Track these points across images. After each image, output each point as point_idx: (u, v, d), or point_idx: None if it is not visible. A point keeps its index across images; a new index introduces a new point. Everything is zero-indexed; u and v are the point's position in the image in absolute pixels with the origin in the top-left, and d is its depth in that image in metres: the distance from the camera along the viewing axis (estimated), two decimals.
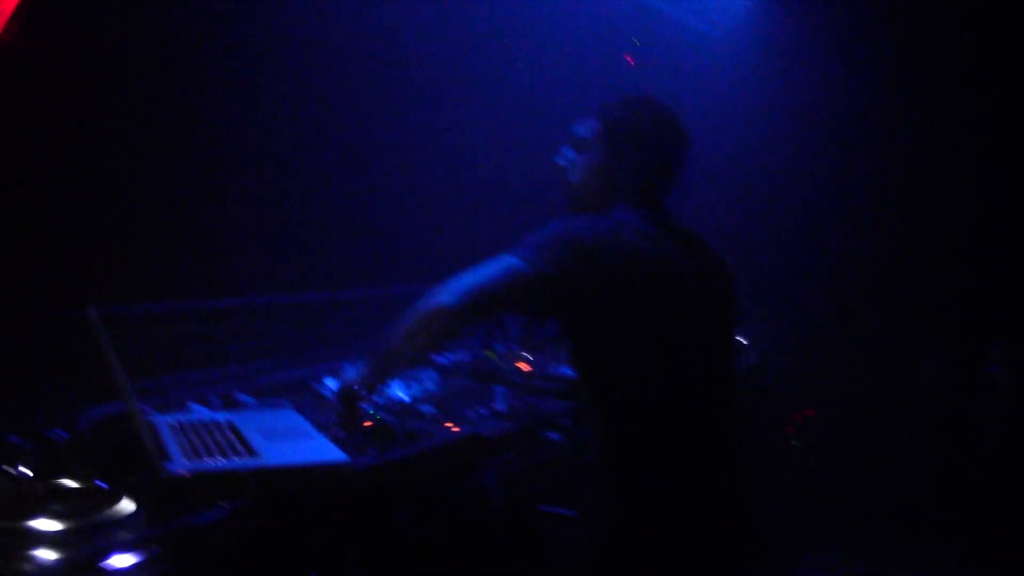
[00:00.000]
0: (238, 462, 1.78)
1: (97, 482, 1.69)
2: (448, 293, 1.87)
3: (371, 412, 2.35)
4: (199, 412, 2.31)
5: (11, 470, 1.74)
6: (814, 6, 4.92)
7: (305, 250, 3.16)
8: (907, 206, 4.95)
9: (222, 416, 2.18)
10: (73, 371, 2.23)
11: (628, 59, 4.56)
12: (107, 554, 1.42)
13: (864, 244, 5.05)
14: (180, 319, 2.68)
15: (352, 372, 2.03)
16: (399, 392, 2.64)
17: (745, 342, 3.85)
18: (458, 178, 3.66)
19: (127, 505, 1.57)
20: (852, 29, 4.90)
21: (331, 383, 2.62)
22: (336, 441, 2.04)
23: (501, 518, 2.16)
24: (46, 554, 1.40)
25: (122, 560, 1.43)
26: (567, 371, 2.87)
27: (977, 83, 4.69)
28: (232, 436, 1.97)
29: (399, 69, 3.39)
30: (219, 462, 1.77)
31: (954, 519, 4.52)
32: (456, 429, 2.31)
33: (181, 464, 1.73)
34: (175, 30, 2.66)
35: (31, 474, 1.74)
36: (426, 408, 2.46)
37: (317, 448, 1.94)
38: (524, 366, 2.90)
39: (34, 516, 1.50)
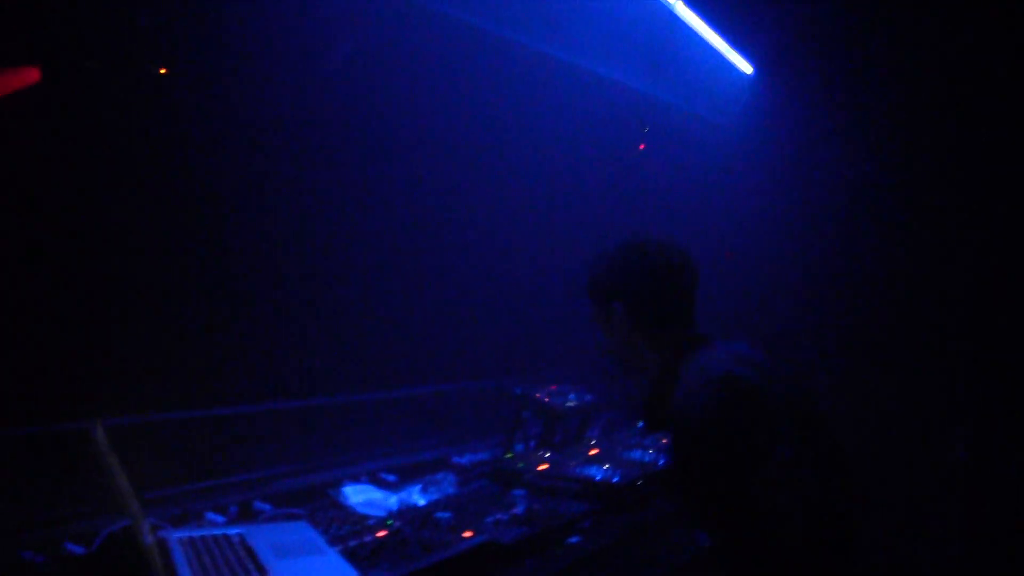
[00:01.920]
0: None
1: None
2: None
3: (386, 520, 2.34)
4: (214, 524, 2.31)
5: None
6: (816, 86, 5.00)
7: (323, 353, 3.19)
8: (913, 284, 4.93)
9: (235, 531, 2.17)
10: (93, 484, 2.24)
11: (640, 146, 4.63)
12: None
13: (884, 323, 5.02)
14: (199, 427, 2.70)
15: None
16: (416, 497, 2.63)
17: None
18: (475, 278, 3.69)
19: None
20: (852, 109, 4.96)
21: (350, 490, 2.62)
22: (347, 554, 2.02)
23: None
24: None
25: None
26: (587, 470, 2.84)
27: (986, 151, 4.70)
28: (244, 554, 1.96)
29: (396, 174, 3.44)
30: None
31: None
32: (472, 536, 2.28)
33: None
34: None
35: None
36: (442, 515, 2.43)
37: (327, 566, 1.92)
38: (544, 466, 2.87)
39: None
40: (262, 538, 2.09)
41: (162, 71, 2.61)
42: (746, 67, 4.85)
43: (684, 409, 1.92)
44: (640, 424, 2.39)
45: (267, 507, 2.51)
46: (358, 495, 2.58)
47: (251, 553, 1.97)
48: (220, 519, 2.37)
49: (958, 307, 4.85)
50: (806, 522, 1.78)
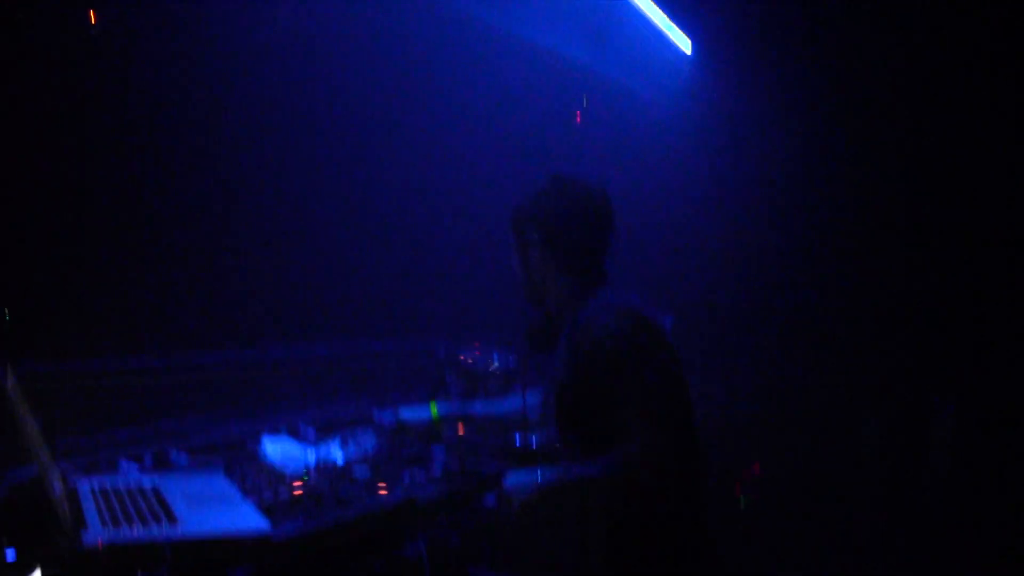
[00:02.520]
0: (156, 531, 1.76)
1: (8, 551, 1.66)
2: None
3: (303, 475, 2.34)
4: (128, 473, 2.29)
5: None
6: (751, 68, 5.06)
7: (250, 306, 3.16)
8: (848, 264, 5.04)
9: (148, 480, 2.16)
10: (3, 433, 2.21)
11: (576, 117, 4.64)
12: None
13: (806, 301, 5.12)
14: (116, 375, 2.66)
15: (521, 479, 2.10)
16: (335, 452, 2.63)
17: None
18: (407, 239, 3.68)
19: None
20: (788, 88, 5.04)
21: (268, 444, 2.61)
22: (262, 507, 2.03)
23: None
24: None
25: None
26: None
27: (921, 134, 4.82)
28: (155, 502, 1.95)
29: (329, 136, 3.41)
30: (136, 531, 1.75)
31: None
32: (387, 492, 2.30)
33: (97, 534, 1.71)
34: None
35: None
36: (360, 470, 2.44)
37: (240, 516, 1.92)
38: (463, 425, 2.89)
39: None
40: (175, 488, 2.08)
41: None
42: (686, 47, 4.90)
43: (593, 327, 2.08)
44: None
45: (183, 457, 2.49)
46: (276, 449, 2.57)
47: (163, 502, 1.96)
48: (134, 468, 2.35)
49: (885, 287, 4.97)
50: (684, 454, 2.02)
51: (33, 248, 2.51)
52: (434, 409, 2.76)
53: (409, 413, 2.78)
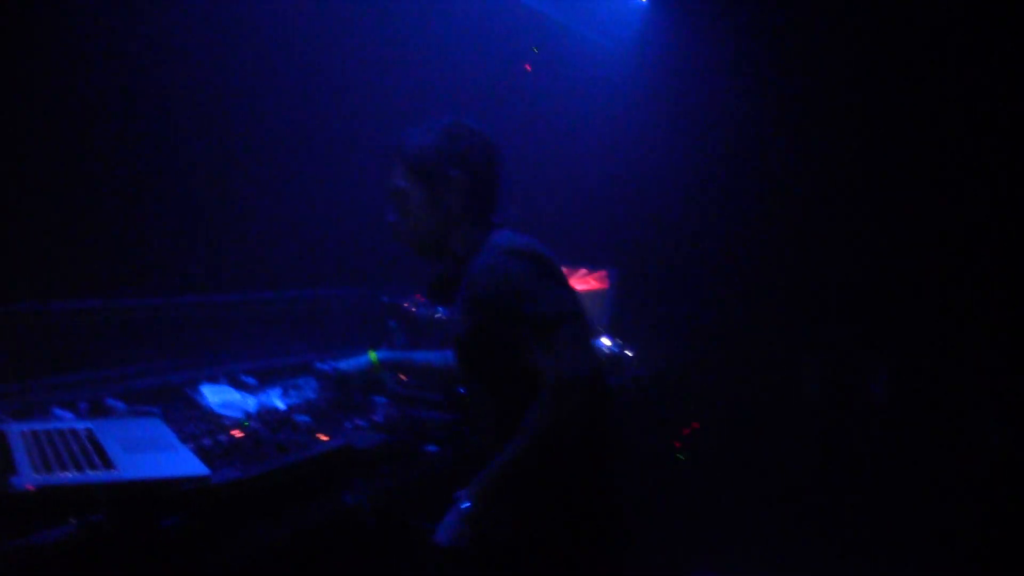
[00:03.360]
0: (91, 475, 1.72)
1: None
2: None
3: (243, 421, 2.32)
4: (62, 419, 2.24)
5: None
6: (707, 18, 5.05)
7: (189, 250, 3.10)
8: (791, 220, 5.10)
9: (82, 425, 2.11)
10: None
11: (526, 67, 4.59)
12: None
13: (748, 257, 5.18)
14: (50, 318, 2.60)
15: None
16: (275, 400, 2.61)
17: (630, 354, 3.90)
18: (351, 186, 3.62)
19: None
20: (743, 40, 5.04)
21: (208, 390, 2.58)
22: (201, 453, 2.00)
23: (370, 534, 2.14)
24: None
25: None
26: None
27: (866, 88, 4.86)
28: (89, 447, 1.91)
29: (274, 73, 3.33)
30: (70, 475, 1.71)
31: (834, 530, 4.68)
32: (328, 439, 2.28)
33: (28, 478, 1.67)
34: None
35: None
36: (301, 418, 2.42)
37: (177, 461, 1.90)
38: (405, 375, 2.88)
39: None
40: (111, 433, 2.04)
41: None
42: None
43: (482, 272, 2.05)
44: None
45: (120, 404, 2.45)
46: (216, 395, 2.55)
47: (98, 447, 1.92)
48: (68, 415, 2.30)
49: (834, 247, 5.04)
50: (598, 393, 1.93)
51: None
52: (374, 356, 2.74)
53: (348, 364, 2.74)
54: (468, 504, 1.89)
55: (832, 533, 4.66)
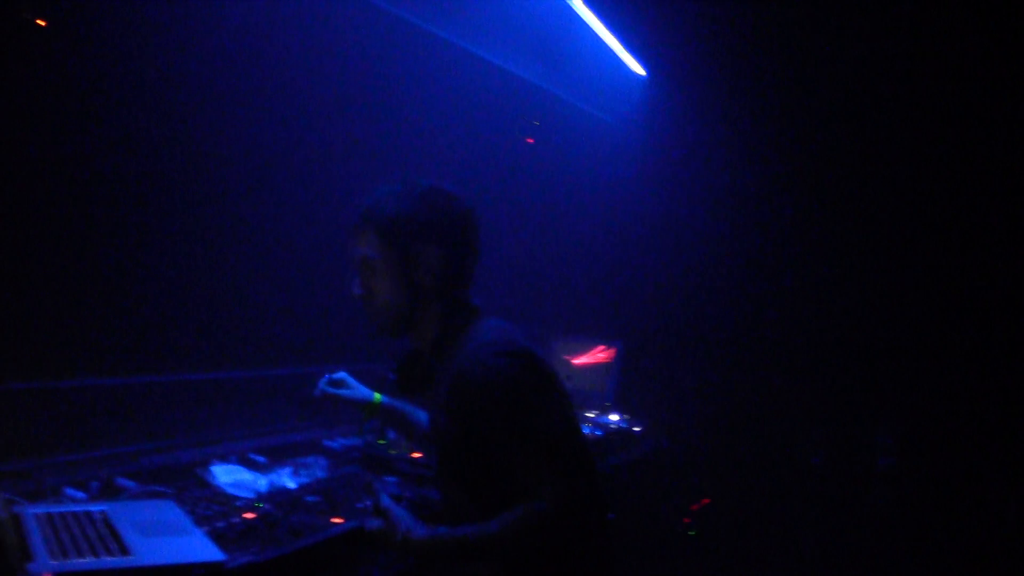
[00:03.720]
0: (106, 561, 1.72)
1: None
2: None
3: (255, 503, 2.31)
4: (74, 500, 2.23)
5: None
6: (705, 88, 5.13)
7: (194, 331, 3.11)
8: (796, 289, 5.12)
9: (96, 508, 2.11)
10: None
11: (528, 140, 4.66)
12: None
13: (754, 326, 5.20)
14: (58, 397, 2.60)
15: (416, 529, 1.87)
16: (286, 479, 2.60)
17: (638, 430, 3.90)
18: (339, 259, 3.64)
19: None
20: (743, 109, 5.12)
21: (219, 470, 2.57)
22: (214, 536, 1.99)
23: None
24: None
25: None
26: None
27: (868, 156, 4.93)
28: (105, 531, 1.91)
29: (270, 145, 3.36)
30: (86, 562, 1.71)
31: None
32: (342, 522, 2.27)
33: (45, 564, 1.66)
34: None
35: None
36: (312, 499, 2.41)
37: (192, 546, 1.89)
38: (418, 454, 2.87)
39: None
40: (125, 516, 2.03)
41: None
42: (639, 69, 4.95)
43: (476, 372, 1.83)
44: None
45: (131, 484, 2.44)
46: (227, 475, 2.54)
47: (113, 531, 1.92)
48: (81, 495, 2.29)
49: (833, 312, 5.06)
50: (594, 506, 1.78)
51: None
52: (378, 397, 2.58)
53: (350, 392, 2.57)
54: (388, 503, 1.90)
55: None
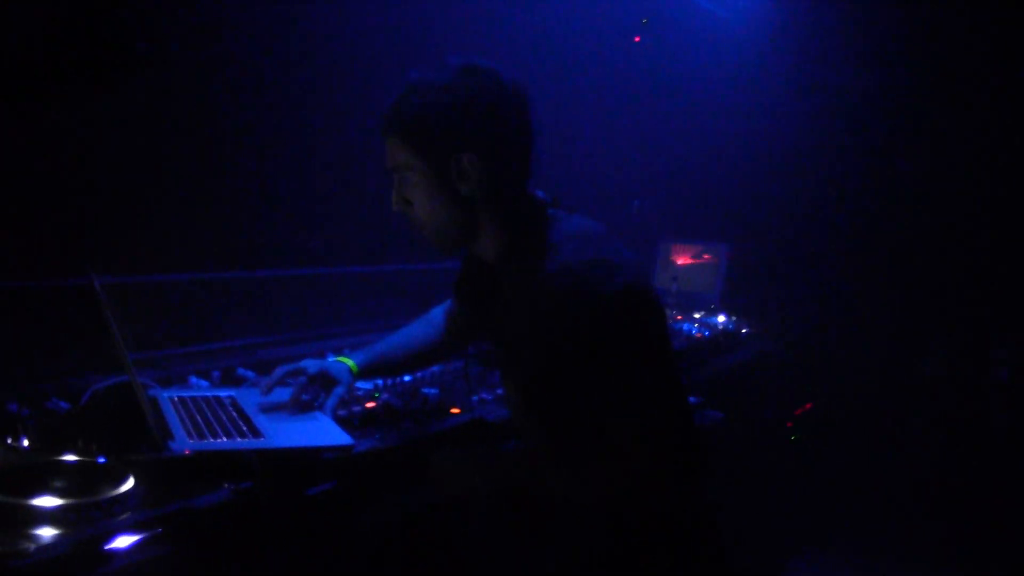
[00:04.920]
0: (242, 443, 1.76)
1: (98, 459, 1.66)
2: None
3: (374, 393, 2.33)
4: (200, 387, 2.29)
5: (11, 442, 1.72)
6: None
7: (316, 227, 3.14)
8: (914, 200, 4.94)
9: (224, 393, 2.16)
10: (78, 341, 2.22)
11: (635, 38, 4.50)
12: (108, 533, 1.40)
13: (869, 237, 5.04)
14: (182, 290, 2.66)
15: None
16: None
17: (745, 331, 3.84)
18: None
19: (129, 483, 1.55)
20: (865, 16, 4.85)
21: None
22: (338, 423, 2.02)
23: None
24: (46, 532, 1.38)
25: (123, 539, 1.41)
26: None
27: (988, 77, 4.67)
28: (236, 415, 1.95)
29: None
30: (223, 443, 1.75)
31: (951, 517, 4.54)
32: (459, 412, 2.29)
33: (185, 443, 1.71)
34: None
35: (30, 447, 1.72)
36: (429, 391, 2.43)
37: (322, 430, 1.92)
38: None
39: (35, 492, 1.47)
40: (252, 401, 2.08)
41: None
42: None
43: (571, 294, 1.55)
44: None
45: (250, 374, 2.49)
46: None
47: (243, 414, 1.96)
48: (204, 384, 2.35)
49: (951, 222, 4.88)
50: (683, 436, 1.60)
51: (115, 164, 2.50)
52: (352, 364, 2.22)
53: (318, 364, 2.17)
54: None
55: (949, 522, 4.52)
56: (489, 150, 1.63)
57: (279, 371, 2.11)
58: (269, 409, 2.04)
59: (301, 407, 2.07)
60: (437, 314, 2.33)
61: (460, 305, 2.01)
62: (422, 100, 1.62)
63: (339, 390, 2.09)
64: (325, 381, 2.11)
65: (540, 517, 1.78)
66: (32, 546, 1.34)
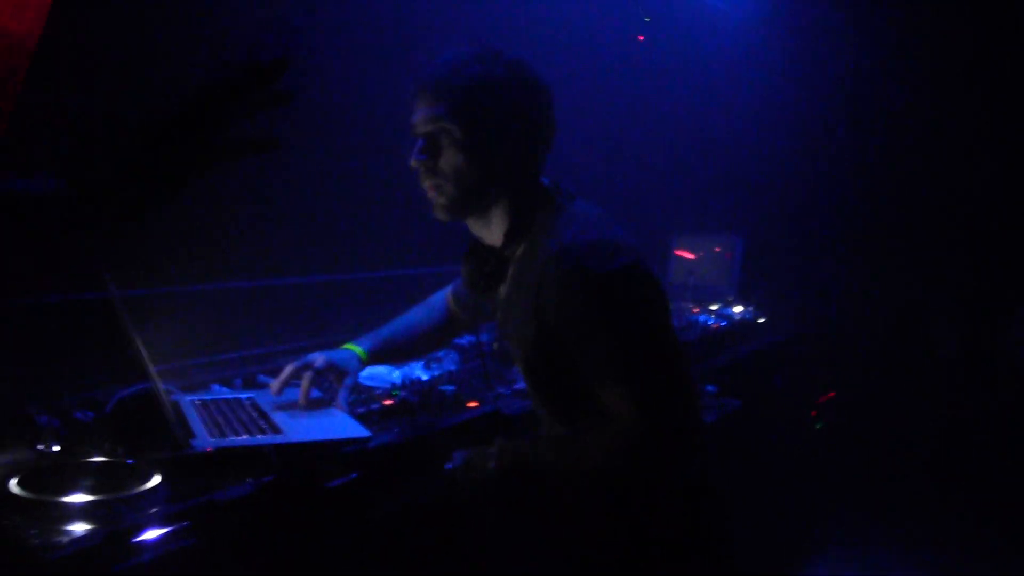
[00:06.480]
0: (262, 439, 1.81)
1: (126, 460, 1.72)
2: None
3: (392, 391, 2.38)
4: (222, 392, 2.35)
5: (42, 447, 1.78)
6: None
7: (325, 234, 3.19)
8: (928, 185, 4.93)
9: (244, 395, 2.22)
10: (102, 355, 2.27)
11: (639, 37, 4.54)
12: (137, 526, 1.46)
13: (884, 223, 5.04)
14: (201, 301, 2.72)
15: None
16: (419, 373, 2.67)
17: (762, 321, 3.86)
18: None
19: (155, 480, 1.60)
20: (871, 13, 4.88)
21: None
22: (357, 419, 2.07)
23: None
24: (79, 527, 1.44)
25: (151, 532, 1.46)
26: None
27: (999, 61, 4.67)
28: (255, 414, 2.01)
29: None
30: (244, 439, 1.80)
31: (972, 502, 4.53)
32: (477, 406, 2.33)
33: (205, 441, 1.76)
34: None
35: (61, 451, 1.78)
36: (446, 388, 2.47)
37: (339, 424, 1.97)
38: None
39: (66, 491, 1.53)
40: (271, 401, 2.13)
41: None
42: None
43: (573, 271, 1.61)
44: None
45: (270, 380, 2.53)
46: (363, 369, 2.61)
47: (263, 413, 2.02)
48: (226, 390, 2.40)
49: (966, 204, 4.88)
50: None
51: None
52: (360, 351, 2.30)
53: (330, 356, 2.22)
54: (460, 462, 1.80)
55: (971, 506, 4.51)
56: (524, 133, 1.75)
57: (287, 369, 2.15)
58: (287, 407, 2.09)
59: (314, 403, 2.12)
60: (438, 298, 2.41)
61: (466, 287, 2.02)
62: (484, 70, 1.71)
63: (349, 380, 2.15)
64: (334, 373, 2.16)
65: (547, 506, 1.85)
66: (66, 539, 1.40)
